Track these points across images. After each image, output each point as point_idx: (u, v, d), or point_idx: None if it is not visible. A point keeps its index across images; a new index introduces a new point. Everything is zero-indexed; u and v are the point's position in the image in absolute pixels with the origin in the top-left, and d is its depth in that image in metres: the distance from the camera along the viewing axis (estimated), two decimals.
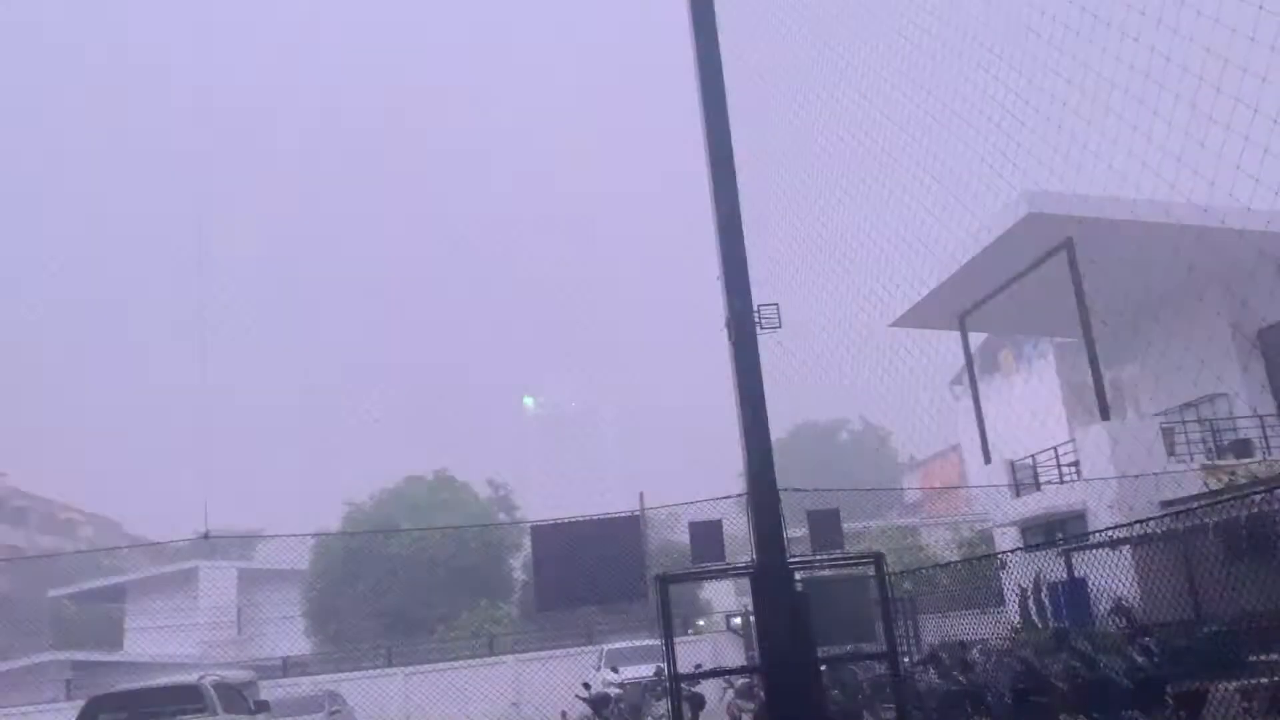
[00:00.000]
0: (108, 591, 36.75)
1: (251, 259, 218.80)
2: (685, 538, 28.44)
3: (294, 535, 35.58)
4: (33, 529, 45.15)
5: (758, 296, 12.09)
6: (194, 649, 31.80)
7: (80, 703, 15.56)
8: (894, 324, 23.85)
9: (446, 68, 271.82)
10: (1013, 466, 25.20)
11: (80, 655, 31.27)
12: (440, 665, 27.17)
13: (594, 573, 13.50)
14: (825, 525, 11.16)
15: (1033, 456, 24.93)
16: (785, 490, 11.74)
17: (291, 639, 33.34)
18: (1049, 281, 22.87)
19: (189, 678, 16.24)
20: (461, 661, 27.40)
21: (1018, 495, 24.62)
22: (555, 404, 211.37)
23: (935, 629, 21.46)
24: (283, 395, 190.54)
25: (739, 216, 12.10)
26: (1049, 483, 24.14)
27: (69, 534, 51.24)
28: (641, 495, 25.47)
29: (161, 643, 32.76)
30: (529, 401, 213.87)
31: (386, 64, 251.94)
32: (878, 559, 11.02)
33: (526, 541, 37.30)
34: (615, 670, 19.49)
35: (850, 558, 11.21)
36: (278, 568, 36.73)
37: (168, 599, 35.86)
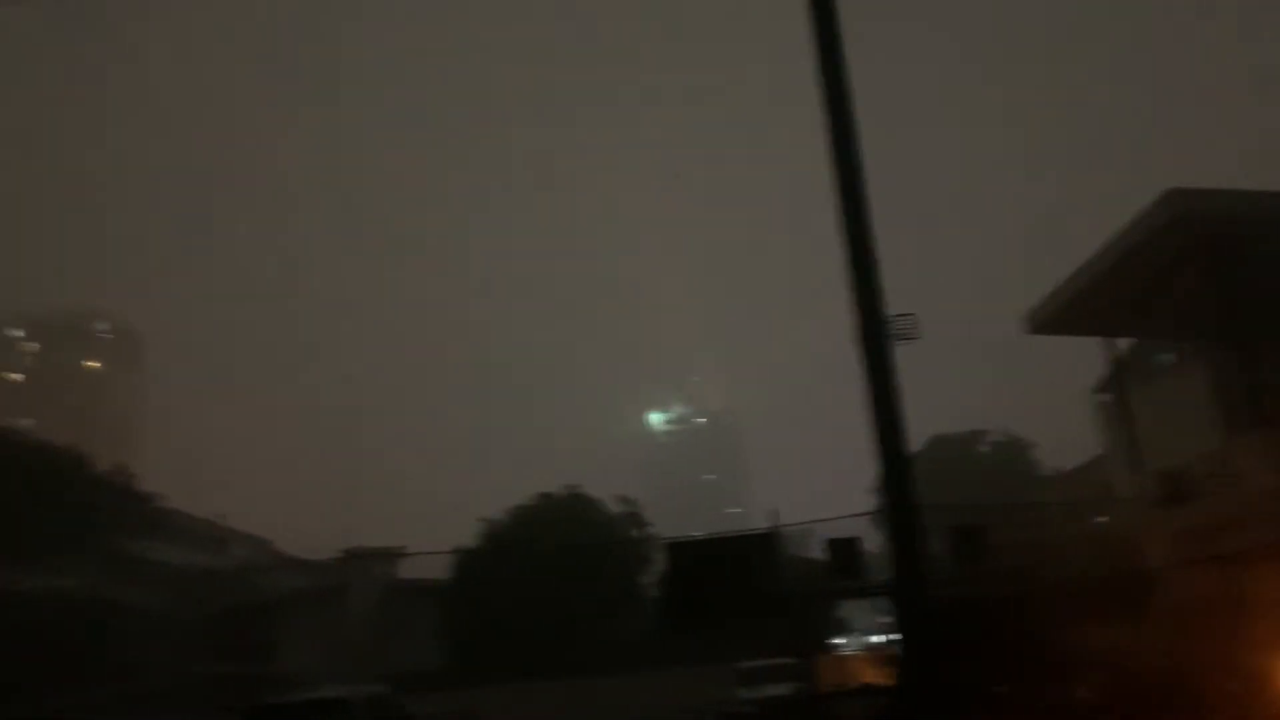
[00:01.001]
0: (258, 608, 38.38)
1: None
2: (819, 555, 27.98)
3: (434, 552, 36.36)
4: (190, 548, 47.44)
5: (893, 306, 11.82)
6: (339, 663, 32.83)
7: (233, 717, 16.16)
8: (1033, 331, 23.06)
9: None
10: (1162, 476, 23.97)
11: (232, 669, 32.68)
12: (574, 681, 27.36)
13: (729, 591, 13.38)
14: (968, 542, 10.82)
15: (1184, 466, 23.67)
16: (923, 505, 11.43)
17: (432, 653, 34.10)
18: (1197, 283, 21.76)
19: (336, 691, 16.71)
20: (594, 679, 27.51)
21: (1169, 506, 23.39)
22: (684, 418, 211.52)
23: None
24: (417, 414, 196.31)
25: (869, 225, 11.89)
26: (1203, 494, 22.88)
27: (222, 552, 53.66)
28: (775, 512, 25.20)
29: (308, 657, 33.90)
30: (656, 416, 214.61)
31: None
32: (1024, 577, 10.61)
33: (658, 558, 37.48)
34: (752, 688, 19.29)
35: (996, 576, 10.84)
36: (419, 581, 37.65)
37: (313, 614, 37.17)
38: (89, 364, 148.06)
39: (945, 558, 12.80)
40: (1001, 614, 13.79)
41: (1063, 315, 23.93)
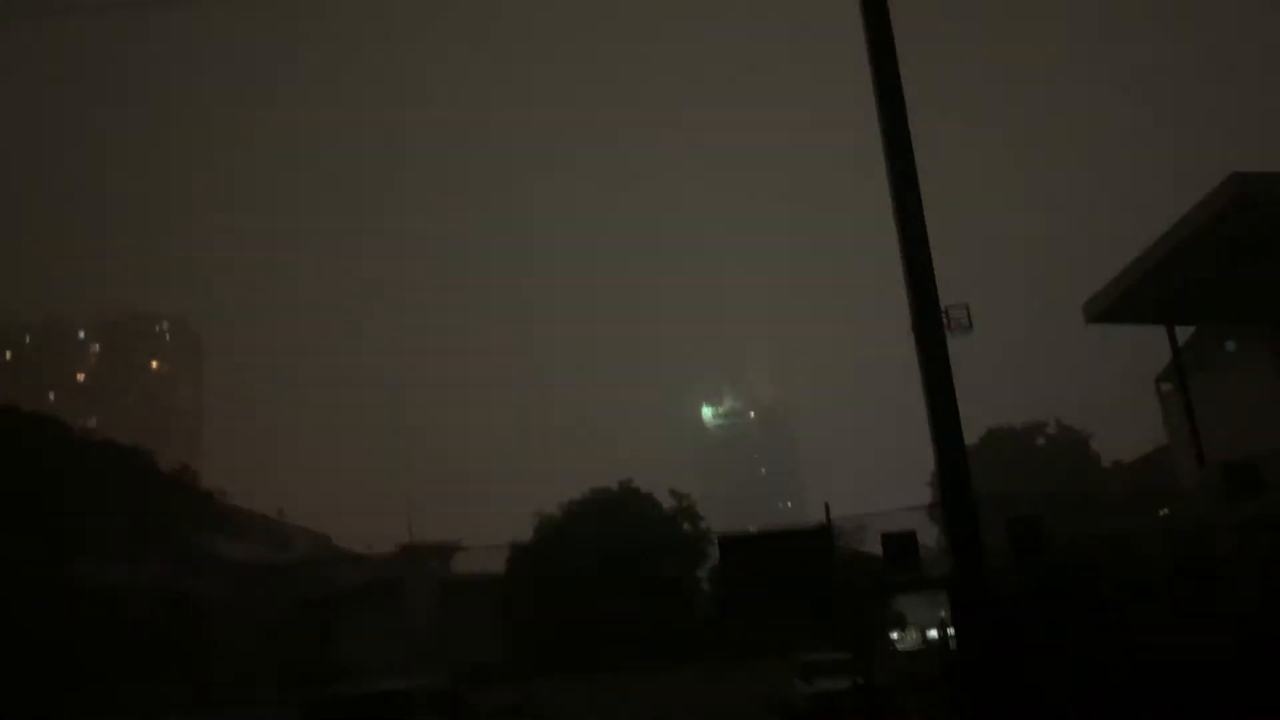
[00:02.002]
0: (319, 601, 39.05)
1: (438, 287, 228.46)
2: (872, 548, 27.78)
3: (489, 546, 36.77)
4: (253, 543, 48.38)
5: (945, 297, 11.70)
6: (399, 656, 33.27)
7: (295, 707, 16.43)
8: (1093, 320, 22.66)
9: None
10: (1229, 467, 23.43)
11: (295, 662, 33.29)
12: (630, 673, 27.48)
13: (783, 585, 13.36)
14: (1026, 533, 10.68)
15: (1252, 457, 23.12)
16: (981, 497, 11.31)
17: (490, 646, 34.49)
18: (1261, 268, 21.24)
19: (398, 684, 16.93)
20: (652, 671, 27.63)
21: (1236, 498, 22.87)
22: (736, 412, 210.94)
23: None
24: (474, 410, 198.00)
25: (922, 215, 11.78)
26: (1271, 484, 22.34)
27: (284, 547, 54.64)
28: (827, 506, 25.08)
29: (369, 650, 34.42)
30: (708, 411, 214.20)
31: None
32: (1085, 569, 10.45)
33: (712, 551, 37.50)
34: (809, 682, 19.23)
35: (1056, 568, 10.69)
36: (474, 575, 38.07)
37: (372, 607, 37.74)
38: (152, 364, 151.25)
39: (1004, 550, 12.66)
40: (1062, 607, 13.61)
41: (1123, 303, 23.47)
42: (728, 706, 22.98)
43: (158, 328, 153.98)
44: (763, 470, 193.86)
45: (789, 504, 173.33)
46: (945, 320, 11.07)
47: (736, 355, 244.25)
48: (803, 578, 13.04)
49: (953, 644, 15.68)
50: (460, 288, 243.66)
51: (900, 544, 11.95)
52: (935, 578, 10.63)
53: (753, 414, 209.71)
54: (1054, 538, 15.71)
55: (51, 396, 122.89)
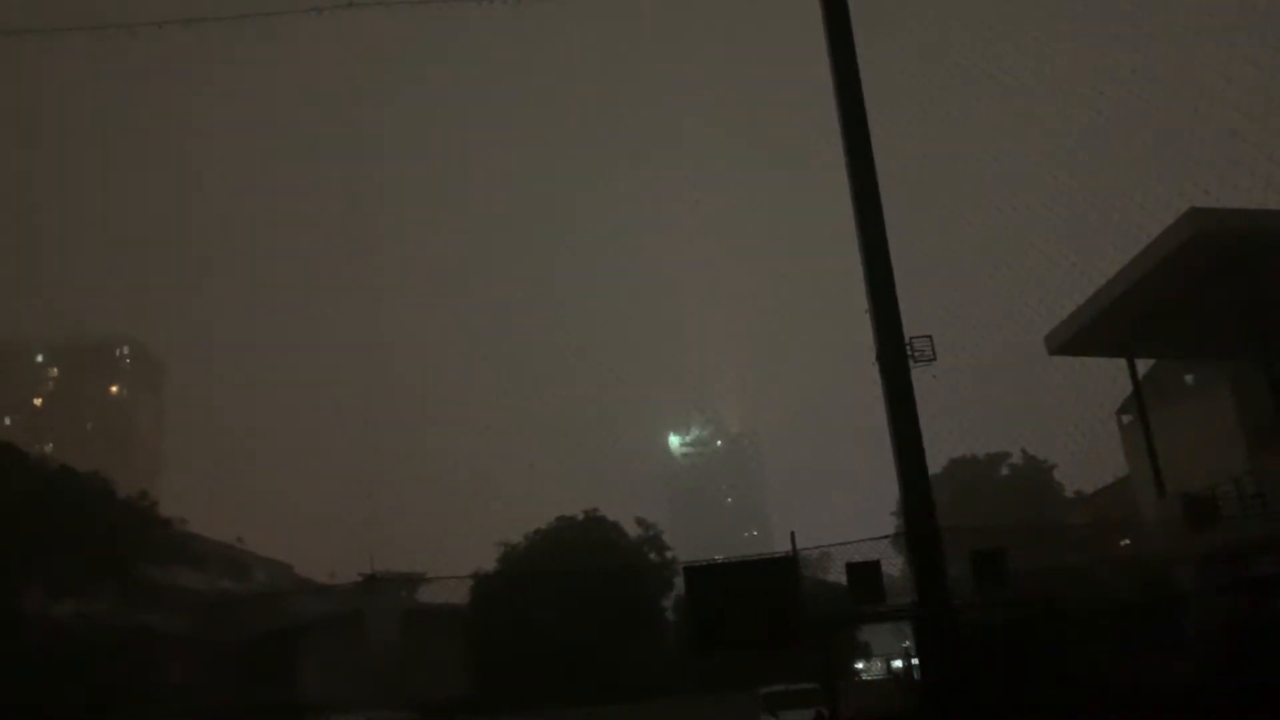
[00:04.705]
0: (280, 633, 38.41)
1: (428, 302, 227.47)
2: (837, 578, 27.78)
3: (453, 577, 36.40)
4: (213, 573, 47.60)
5: (909, 328, 11.80)
6: (360, 690, 32.80)
7: None
8: (1055, 352, 22.92)
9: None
10: (1189, 499, 23.73)
11: (255, 695, 32.71)
12: (593, 707, 27.25)
13: (749, 615, 13.31)
14: (990, 565, 10.72)
15: (1211, 488, 23.43)
16: (945, 528, 11.35)
17: (453, 680, 34.04)
18: (1221, 302, 21.58)
19: (356, 718, 16.71)
20: (617, 705, 27.39)
21: (1196, 529, 23.14)
22: (702, 441, 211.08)
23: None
24: (437, 439, 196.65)
25: (886, 246, 11.88)
26: (1230, 516, 22.64)
27: (244, 577, 53.80)
28: (793, 535, 25.06)
29: (329, 684, 33.90)
30: (675, 439, 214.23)
31: None
32: (1048, 601, 10.50)
33: (677, 582, 37.32)
34: (774, 715, 19.16)
35: (1020, 600, 10.73)
36: (438, 606, 37.65)
37: (334, 639, 37.17)
38: (111, 389, 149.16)
39: (967, 581, 12.69)
40: (1024, 638, 13.65)
41: (1083, 336, 23.77)
42: None
43: (118, 352, 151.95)
44: (729, 499, 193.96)
45: (755, 532, 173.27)
46: (910, 350, 11.15)
47: (703, 384, 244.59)
48: (769, 608, 13.00)
49: (917, 674, 15.69)
50: (424, 316, 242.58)
51: (865, 574, 11.95)
52: (900, 607, 10.63)
53: (719, 443, 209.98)
54: (1016, 569, 15.79)
55: (7, 421, 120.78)
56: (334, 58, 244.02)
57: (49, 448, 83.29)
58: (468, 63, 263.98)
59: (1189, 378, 35.81)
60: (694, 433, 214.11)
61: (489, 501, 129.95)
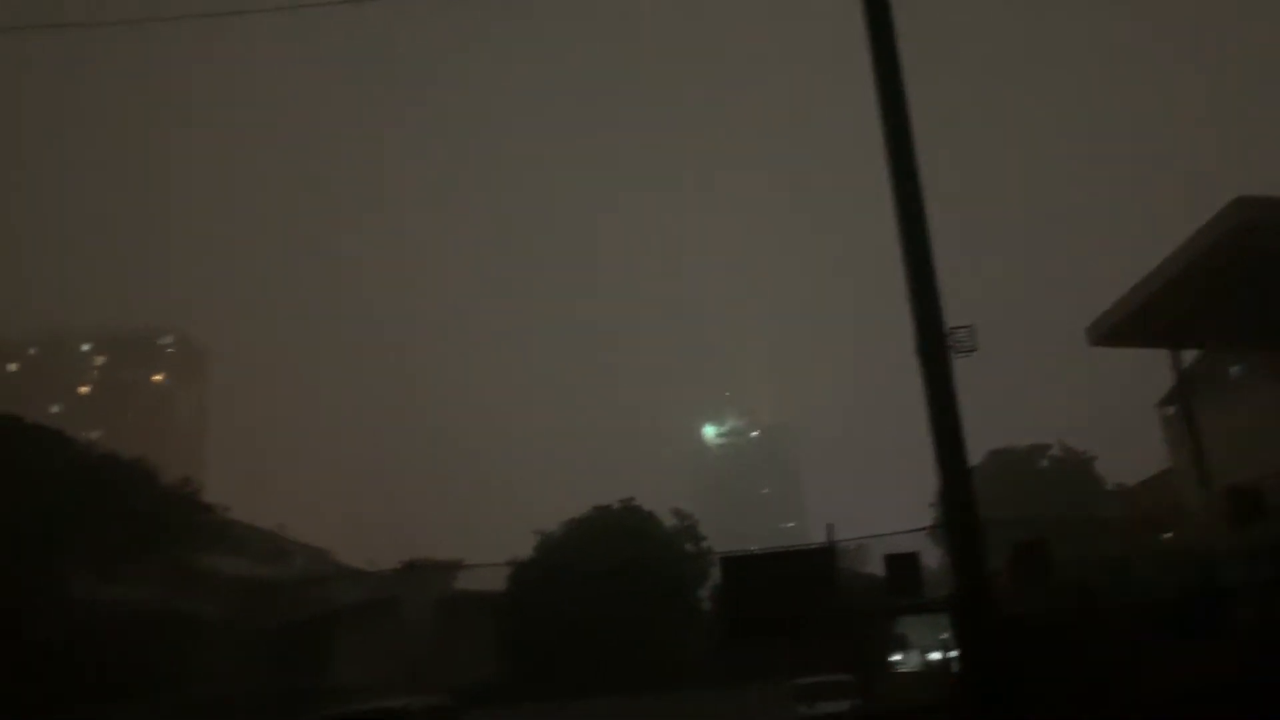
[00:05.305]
0: (319, 619, 38.80)
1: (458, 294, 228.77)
2: (874, 569, 27.62)
3: (491, 565, 36.59)
4: (253, 559, 48.14)
5: (950, 317, 11.65)
6: (396, 675, 33.11)
7: None
8: (1097, 343, 22.63)
9: None
10: (1234, 491, 23.33)
11: (294, 680, 33.07)
12: (628, 696, 27.31)
13: (785, 605, 13.27)
14: (1032, 558, 10.60)
15: (1256, 481, 23.04)
16: (986, 520, 11.23)
17: (488, 666, 34.25)
18: (1267, 291, 21.19)
19: (396, 702, 16.84)
20: (651, 694, 27.43)
21: (1241, 523, 22.76)
22: (738, 431, 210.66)
23: None
24: (476, 427, 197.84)
25: (927, 236, 11.74)
26: (1277, 508, 22.24)
27: (284, 563, 54.37)
28: (829, 527, 24.97)
29: (367, 668, 34.22)
30: (710, 429, 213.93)
31: None
32: (1090, 593, 10.39)
33: (714, 572, 37.27)
34: (809, 705, 19.10)
35: (1061, 592, 10.62)
36: (474, 593, 37.86)
37: (372, 625, 37.51)
38: (155, 377, 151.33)
39: (1007, 573, 12.56)
40: (1065, 632, 13.50)
41: (1126, 326, 23.43)
42: None
43: (161, 341, 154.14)
44: (764, 490, 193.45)
45: (790, 524, 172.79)
46: (950, 341, 11.03)
47: (740, 374, 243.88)
48: (806, 598, 12.95)
49: (954, 667, 15.57)
50: (466, 305, 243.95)
51: (903, 566, 11.87)
52: (940, 600, 10.53)
53: (755, 433, 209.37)
54: (1056, 561, 15.62)
55: (55, 408, 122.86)
56: (381, 44, 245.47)
57: (95, 434, 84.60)
58: (489, 53, 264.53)
59: (1234, 369, 35.22)
60: (729, 423, 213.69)
61: (526, 491, 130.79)
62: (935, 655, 27.79)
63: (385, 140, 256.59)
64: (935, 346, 11.12)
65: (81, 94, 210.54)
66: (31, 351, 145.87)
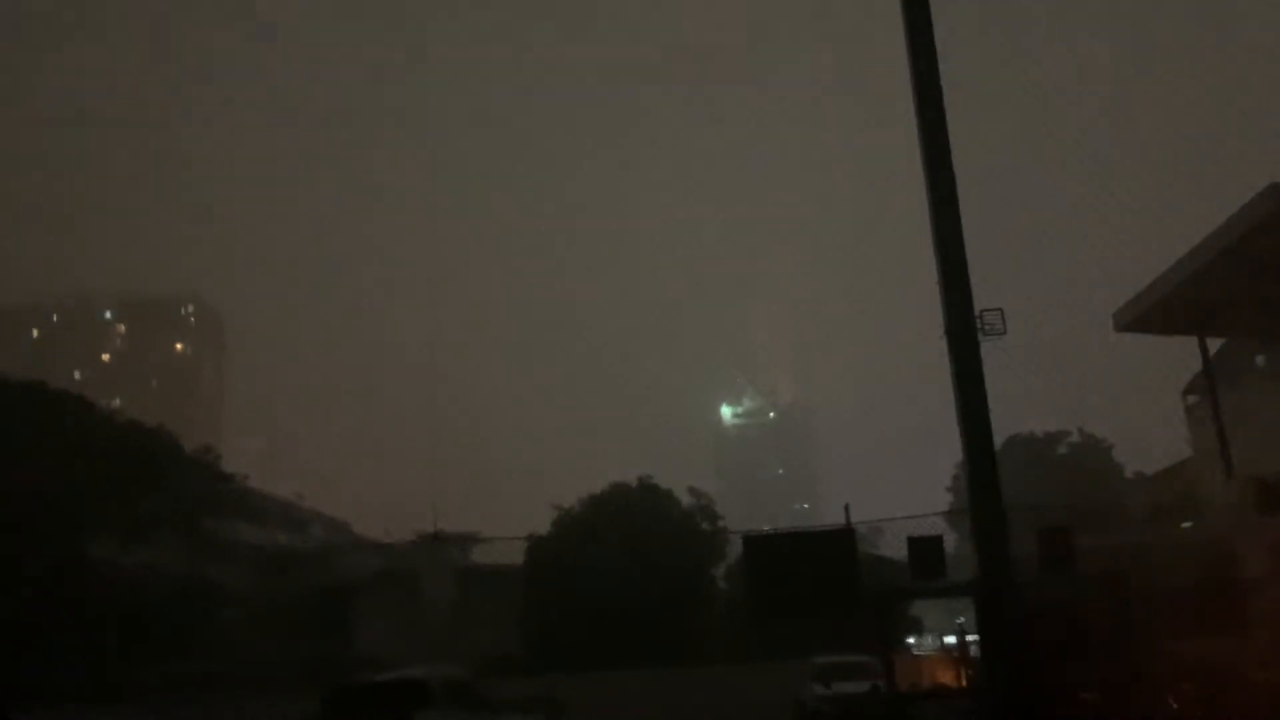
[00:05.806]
0: (337, 589, 39.16)
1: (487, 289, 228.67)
2: (889, 552, 27.61)
3: (509, 538, 36.90)
4: (272, 528, 48.64)
5: (975, 300, 11.57)
6: (414, 645, 33.40)
7: (313, 695, 16.50)
8: (1122, 329, 22.43)
9: None
10: (1260, 482, 23.16)
11: (312, 649, 33.41)
12: (646, 671, 27.51)
13: (807, 585, 13.31)
14: (1057, 544, 10.59)
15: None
16: (1010, 505, 11.20)
17: (505, 639, 34.54)
18: None
19: (415, 672, 16.99)
20: (667, 668, 27.65)
21: (1266, 513, 22.60)
22: (755, 411, 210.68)
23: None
24: (494, 402, 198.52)
25: (958, 218, 11.67)
26: None
27: (302, 533, 54.92)
28: (847, 508, 24.96)
29: (385, 640, 34.52)
30: (727, 410, 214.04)
31: None
32: (1113, 580, 10.37)
33: (730, 551, 37.42)
34: (826, 685, 19.15)
35: (1084, 578, 10.60)
36: (492, 566, 38.12)
37: (390, 596, 37.81)
38: (177, 346, 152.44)
39: (1029, 559, 12.54)
40: (1086, 618, 13.49)
41: (1154, 313, 23.17)
42: (744, 707, 22.95)
43: (183, 310, 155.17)
44: (780, 470, 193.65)
45: (805, 505, 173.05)
46: (980, 324, 10.98)
47: (756, 355, 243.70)
48: (828, 578, 12.99)
49: (974, 651, 15.59)
50: (488, 280, 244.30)
51: (927, 548, 11.87)
52: (963, 583, 10.54)
53: (772, 414, 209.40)
54: (1078, 547, 15.58)
55: (77, 375, 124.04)
56: (411, 35, 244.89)
57: (117, 402, 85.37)
58: (500, 41, 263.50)
59: (1260, 359, 34.92)
60: (746, 403, 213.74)
61: (544, 466, 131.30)
62: (951, 639, 27.81)
63: (417, 110, 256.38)
64: (964, 330, 11.07)
65: (103, 60, 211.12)
66: (54, 318, 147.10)
